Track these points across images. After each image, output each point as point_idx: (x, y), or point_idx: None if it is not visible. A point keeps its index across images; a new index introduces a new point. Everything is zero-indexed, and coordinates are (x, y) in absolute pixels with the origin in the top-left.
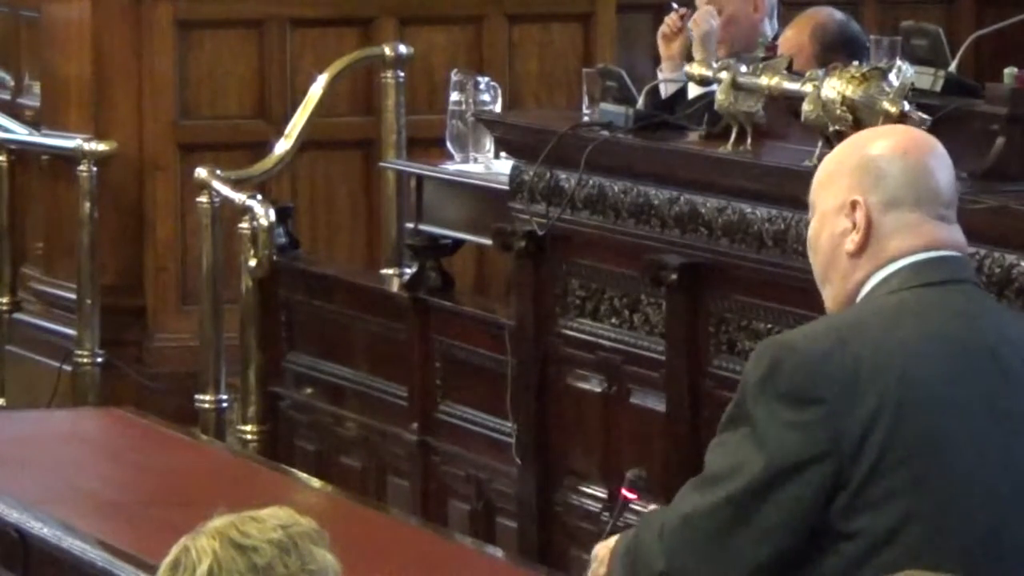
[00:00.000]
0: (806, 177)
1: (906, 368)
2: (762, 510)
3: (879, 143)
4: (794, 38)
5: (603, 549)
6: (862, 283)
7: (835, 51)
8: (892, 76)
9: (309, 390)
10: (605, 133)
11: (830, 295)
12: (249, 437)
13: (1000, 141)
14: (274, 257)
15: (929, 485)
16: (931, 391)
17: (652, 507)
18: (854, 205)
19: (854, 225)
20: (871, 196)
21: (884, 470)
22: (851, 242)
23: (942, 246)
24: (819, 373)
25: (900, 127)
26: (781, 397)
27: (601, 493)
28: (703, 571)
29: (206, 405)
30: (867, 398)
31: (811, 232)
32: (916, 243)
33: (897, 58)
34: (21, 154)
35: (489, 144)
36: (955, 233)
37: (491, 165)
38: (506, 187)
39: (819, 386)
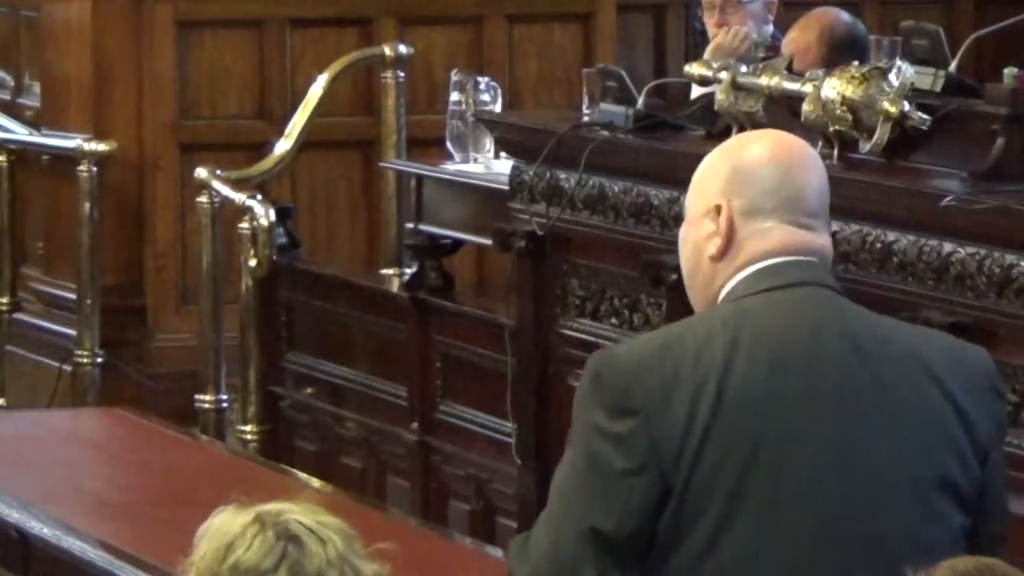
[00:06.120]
0: None
1: (725, 370)
2: (588, 515)
3: (752, 148)
4: (801, 39)
5: None
6: (720, 290)
7: (843, 53)
8: (892, 76)
9: (309, 390)
10: (605, 133)
11: (694, 300)
12: (249, 437)
13: (1000, 141)
14: (274, 257)
15: (750, 484)
16: (750, 392)
17: None
18: (718, 209)
19: (718, 229)
20: (735, 200)
21: (703, 473)
22: (714, 246)
23: (793, 251)
24: (635, 384)
25: (775, 132)
26: (603, 409)
27: None
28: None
29: (206, 405)
30: (679, 404)
31: (680, 235)
32: (766, 248)
33: (897, 58)
34: (21, 154)
35: (489, 144)
36: (814, 238)
37: (491, 165)
38: (506, 187)
39: (635, 397)
